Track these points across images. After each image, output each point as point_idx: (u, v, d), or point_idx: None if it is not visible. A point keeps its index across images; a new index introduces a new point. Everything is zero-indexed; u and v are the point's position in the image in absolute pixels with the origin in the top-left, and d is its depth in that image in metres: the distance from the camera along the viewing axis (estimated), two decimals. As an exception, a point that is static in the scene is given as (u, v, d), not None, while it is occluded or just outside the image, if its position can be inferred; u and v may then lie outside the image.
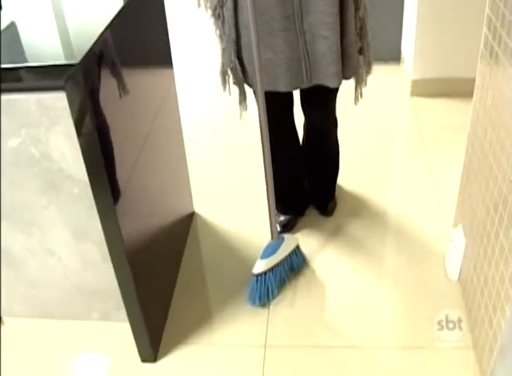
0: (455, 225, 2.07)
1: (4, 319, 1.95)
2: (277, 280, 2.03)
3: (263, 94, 1.80)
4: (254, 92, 1.89)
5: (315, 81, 1.88)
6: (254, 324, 1.96)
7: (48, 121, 1.36)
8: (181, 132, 2.30)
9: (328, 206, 2.43)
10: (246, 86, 1.97)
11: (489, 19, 1.62)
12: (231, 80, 1.95)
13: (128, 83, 1.59)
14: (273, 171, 1.93)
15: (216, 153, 2.97)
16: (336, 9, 1.74)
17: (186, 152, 2.36)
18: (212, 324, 1.98)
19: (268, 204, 1.98)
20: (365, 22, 1.88)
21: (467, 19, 2.95)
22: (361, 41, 1.92)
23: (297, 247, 2.12)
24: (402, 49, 3.61)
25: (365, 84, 2.02)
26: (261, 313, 2.00)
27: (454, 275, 2.04)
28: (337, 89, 1.99)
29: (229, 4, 1.80)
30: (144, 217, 1.81)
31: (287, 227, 2.33)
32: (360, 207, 2.48)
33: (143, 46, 1.82)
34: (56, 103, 1.32)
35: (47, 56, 1.42)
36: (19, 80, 1.35)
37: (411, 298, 2.02)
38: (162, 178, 2.00)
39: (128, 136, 1.64)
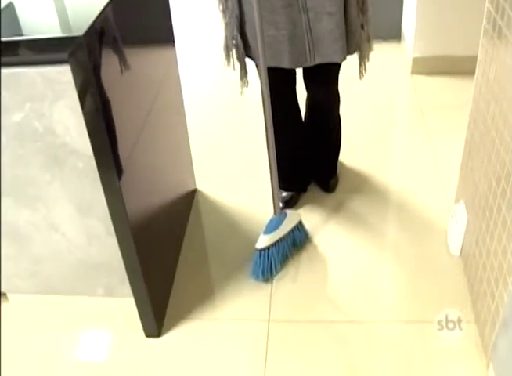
0: (456, 200, 2.08)
1: (8, 295, 1.96)
2: (280, 255, 2.05)
3: (265, 69, 1.79)
4: (257, 66, 1.89)
5: (319, 60, 1.88)
6: (257, 299, 1.98)
7: (53, 95, 1.36)
8: (183, 108, 2.29)
9: (330, 182, 2.44)
10: (249, 61, 1.97)
11: (492, -7, 1.61)
12: (235, 54, 1.95)
13: (129, 59, 1.58)
14: (275, 146, 1.93)
15: (218, 128, 2.97)
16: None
17: (188, 128, 2.36)
18: (215, 299, 2.00)
19: (271, 179, 1.99)
20: None
21: (468, -3, 2.94)
22: (362, 17, 1.92)
23: (300, 222, 2.13)
24: (403, 27, 3.59)
25: (368, 59, 2.03)
26: (265, 288, 2.01)
27: (456, 250, 2.05)
28: (339, 65, 1.99)
29: (232, -21, 1.79)
30: (147, 193, 1.81)
31: (290, 203, 2.33)
32: (362, 184, 2.48)
33: (145, 22, 1.81)
34: (61, 77, 1.32)
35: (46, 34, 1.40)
36: (23, 53, 1.35)
37: (413, 274, 2.03)
38: (164, 154, 2.00)
39: (130, 112, 1.63)
